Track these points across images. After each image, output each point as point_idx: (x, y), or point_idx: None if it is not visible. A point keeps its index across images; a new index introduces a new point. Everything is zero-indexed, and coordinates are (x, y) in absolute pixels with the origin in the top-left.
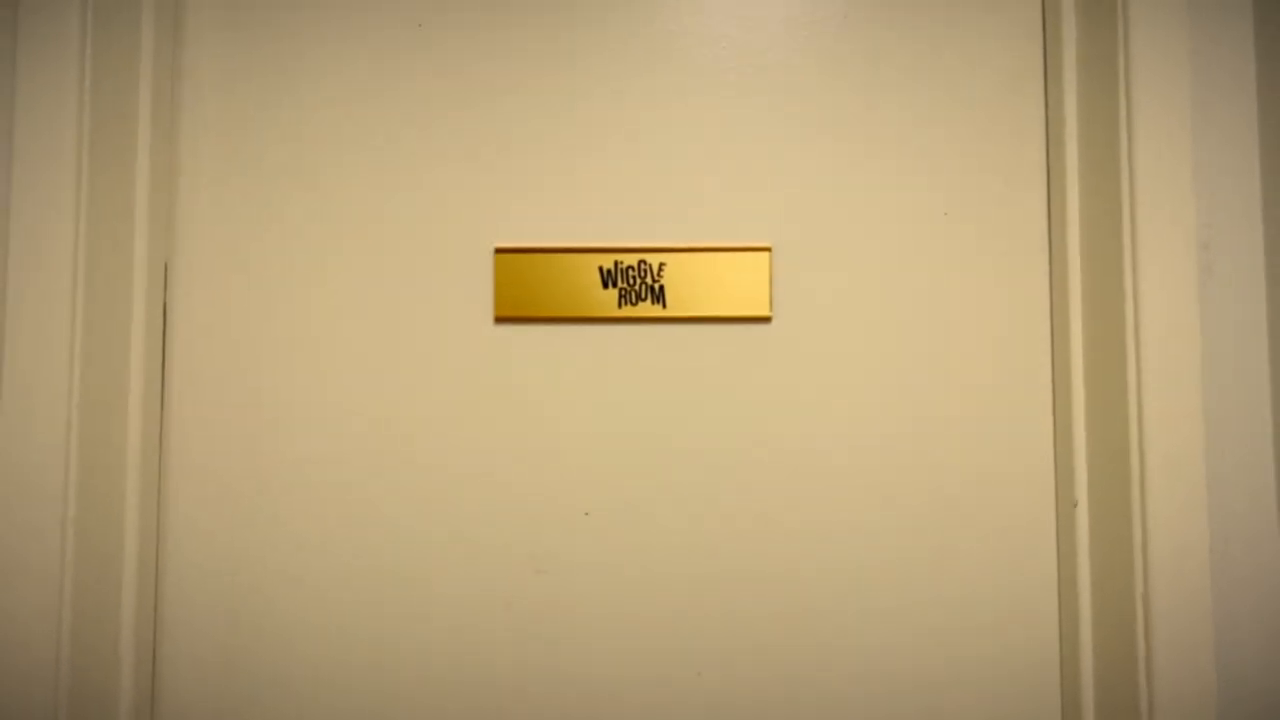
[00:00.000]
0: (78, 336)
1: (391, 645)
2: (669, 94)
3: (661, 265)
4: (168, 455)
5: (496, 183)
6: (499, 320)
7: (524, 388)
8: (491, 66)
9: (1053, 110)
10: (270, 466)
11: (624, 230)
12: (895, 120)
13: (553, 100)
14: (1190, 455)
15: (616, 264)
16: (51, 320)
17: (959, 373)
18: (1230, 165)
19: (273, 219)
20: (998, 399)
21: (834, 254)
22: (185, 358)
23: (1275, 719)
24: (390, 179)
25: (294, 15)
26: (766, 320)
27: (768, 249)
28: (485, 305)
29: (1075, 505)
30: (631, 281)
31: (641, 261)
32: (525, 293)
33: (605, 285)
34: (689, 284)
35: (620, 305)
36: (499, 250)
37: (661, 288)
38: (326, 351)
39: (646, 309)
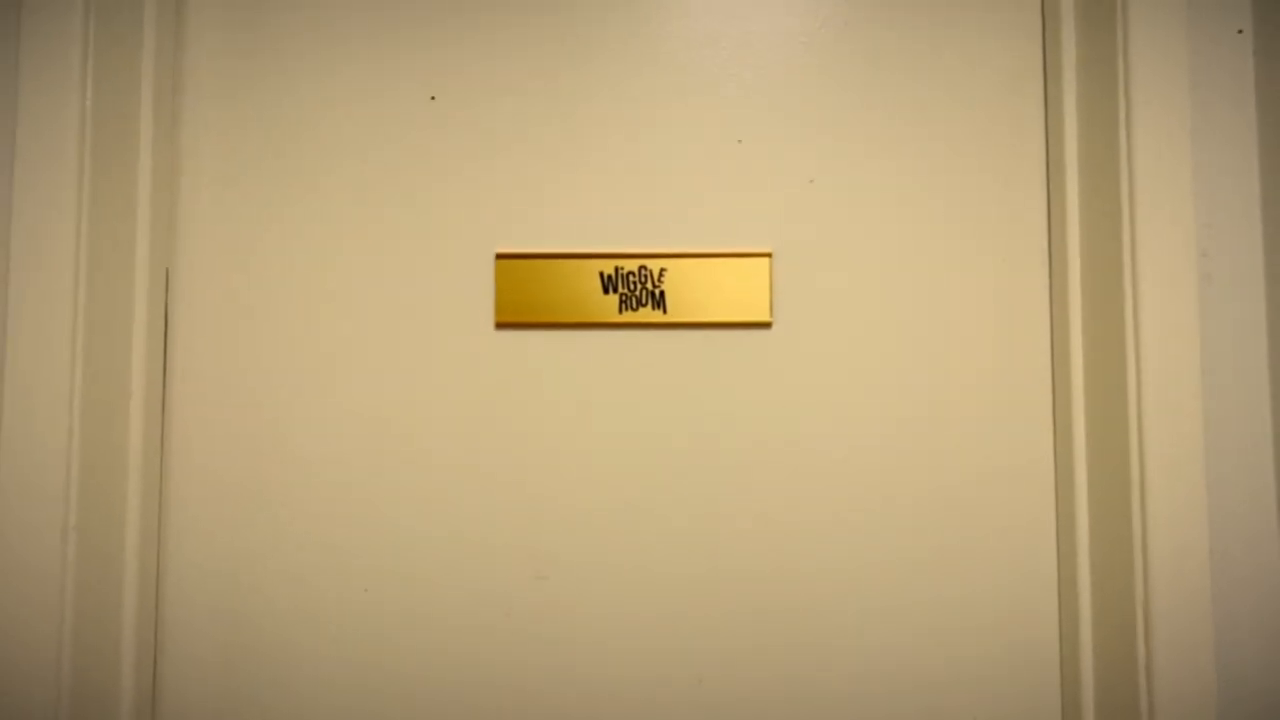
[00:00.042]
0: (79, 337)
1: (391, 650)
2: (669, 99)
3: (662, 271)
4: (169, 456)
5: (498, 189)
6: (500, 326)
7: (525, 393)
8: (493, 72)
9: (1052, 110)
10: (271, 469)
11: (625, 236)
12: (895, 123)
13: (553, 106)
14: (1190, 455)
15: (617, 270)
16: (53, 320)
17: (959, 376)
18: (1229, 165)
19: (273, 220)
20: (998, 402)
21: (834, 259)
22: (186, 359)
23: (1275, 719)
24: (391, 184)
25: (295, 16)
26: (767, 326)
27: (768, 255)
28: (486, 311)
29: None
30: (632, 287)
31: (642, 267)
32: (526, 298)
33: (606, 291)
34: (690, 289)
35: (621, 311)
36: (500, 256)
37: (662, 293)
38: (327, 355)
39: (647, 314)
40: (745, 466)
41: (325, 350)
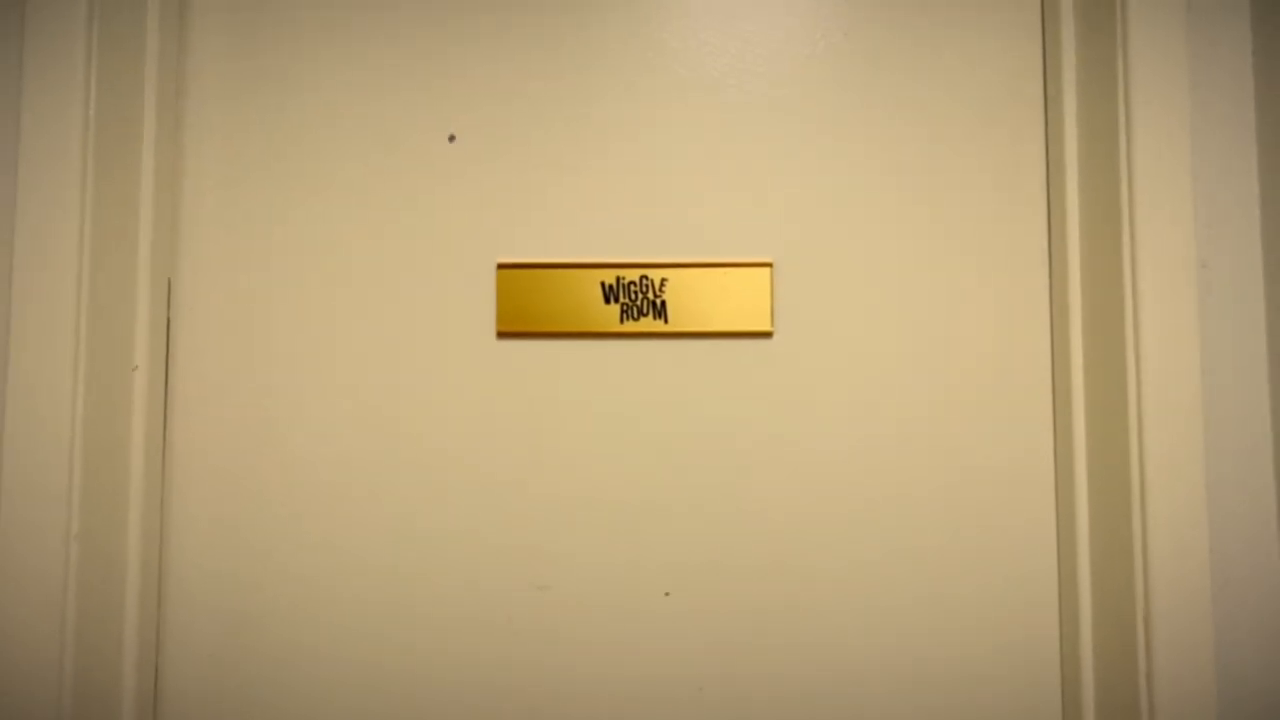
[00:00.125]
0: (82, 337)
1: (392, 656)
2: (670, 109)
3: (663, 280)
4: (171, 457)
5: (499, 198)
6: (501, 335)
7: (526, 402)
8: (495, 78)
9: (1052, 110)
10: (273, 473)
11: (626, 246)
12: (895, 124)
13: (555, 115)
14: (1190, 456)
15: (619, 279)
16: (56, 321)
17: (960, 383)
18: (1229, 165)
19: (275, 224)
20: (999, 405)
21: (835, 268)
22: (188, 361)
23: (1275, 719)
24: (393, 190)
25: (297, 20)
26: (768, 335)
27: (769, 264)
28: (487, 320)
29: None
30: (633, 297)
31: (643, 277)
32: (527, 308)
33: (607, 300)
34: (691, 299)
35: (622, 320)
36: (501, 265)
37: (663, 303)
38: (328, 361)
39: (648, 324)
40: (747, 475)
41: (326, 356)
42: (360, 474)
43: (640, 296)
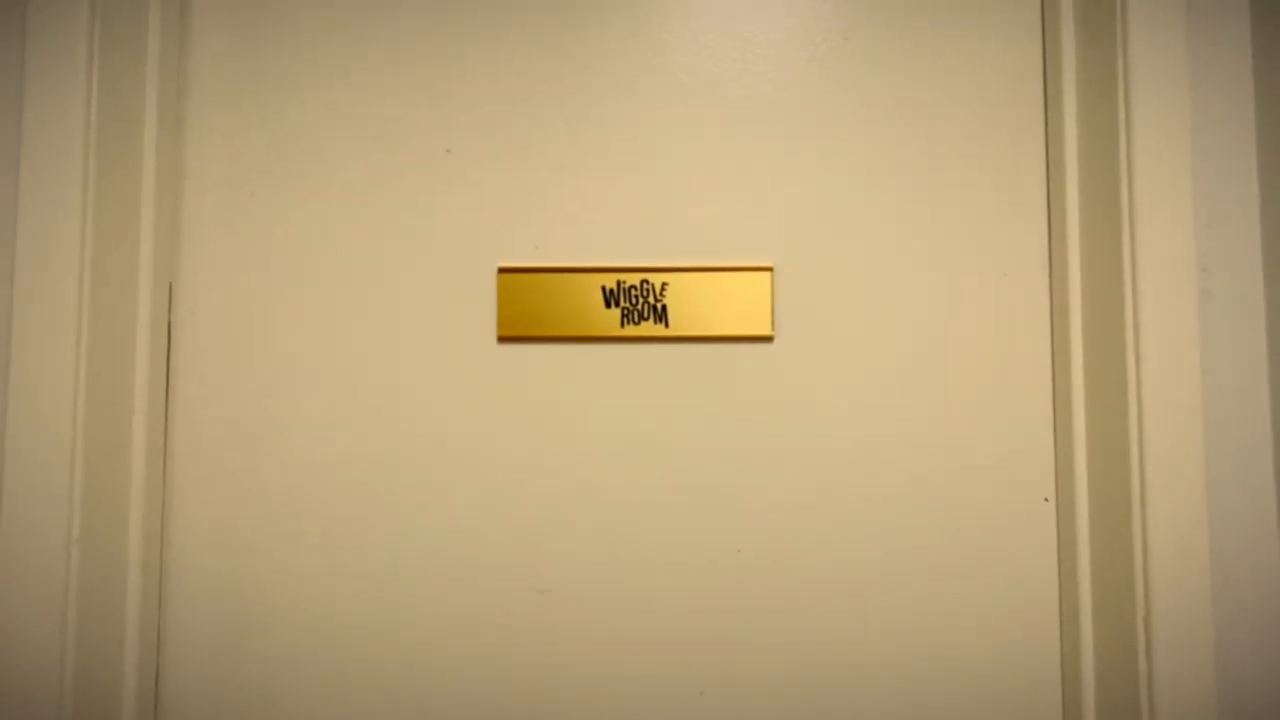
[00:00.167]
0: (84, 336)
1: (393, 657)
2: (670, 113)
3: (664, 285)
4: (172, 457)
5: (499, 202)
6: (502, 339)
7: (526, 407)
8: (495, 79)
9: (1052, 110)
10: (273, 476)
11: (626, 250)
12: (895, 125)
13: (556, 120)
14: (1190, 456)
15: (619, 284)
16: (58, 320)
17: (961, 384)
18: (1229, 164)
19: (276, 225)
20: (1000, 410)
21: (835, 271)
22: (190, 362)
23: (1276, 718)
24: (393, 191)
25: (298, 20)
26: (769, 339)
27: (769, 269)
28: (488, 324)
29: (1046, 501)
30: (634, 301)
31: (644, 281)
32: (528, 312)
33: (608, 305)
34: (691, 303)
35: (623, 325)
36: (502, 270)
37: (664, 307)
38: (328, 365)
39: (649, 328)
40: (747, 479)
41: (326, 358)
42: (361, 477)
43: (641, 300)
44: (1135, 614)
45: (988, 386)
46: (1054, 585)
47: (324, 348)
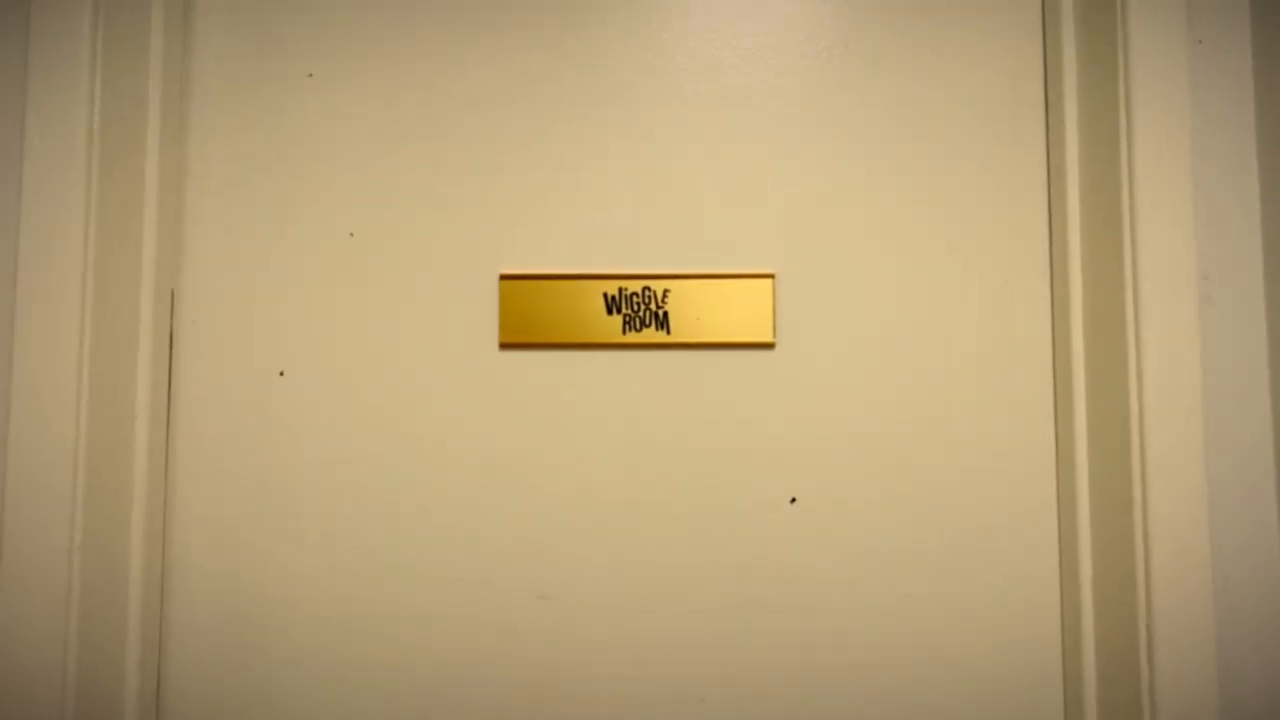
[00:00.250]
0: (87, 336)
1: (394, 657)
2: (670, 114)
3: (666, 292)
4: (174, 458)
5: (502, 210)
6: (504, 346)
7: (528, 413)
8: (497, 79)
9: (1052, 111)
10: (274, 479)
11: (628, 257)
12: (897, 139)
13: (557, 123)
14: (1191, 455)
15: (621, 290)
16: (61, 319)
17: (962, 383)
18: (1229, 165)
19: (278, 226)
20: (1001, 410)
21: (837, 278)
22: (191, 365)
23: (1277, 717)
24: (395, 195)
25: (299, 18)
26: (770, 346)
27: (771, 276)
28: (490, 331)
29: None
30: (636, 308)
31: (646, 288)
32: (530, 319)
33: (610, 312)
34: (693, 310)
35: (625, 332)
36: (504, 277)
37: (666, 314)
38: (329, 371)
39: (651, 335)
40: (750, 485)
41: (328, 363)
42: (362, 482)
43: (643, 307)
44: (1137, 614)
45: (989, 384)
46: (1055, 585)
47: (325, 350)
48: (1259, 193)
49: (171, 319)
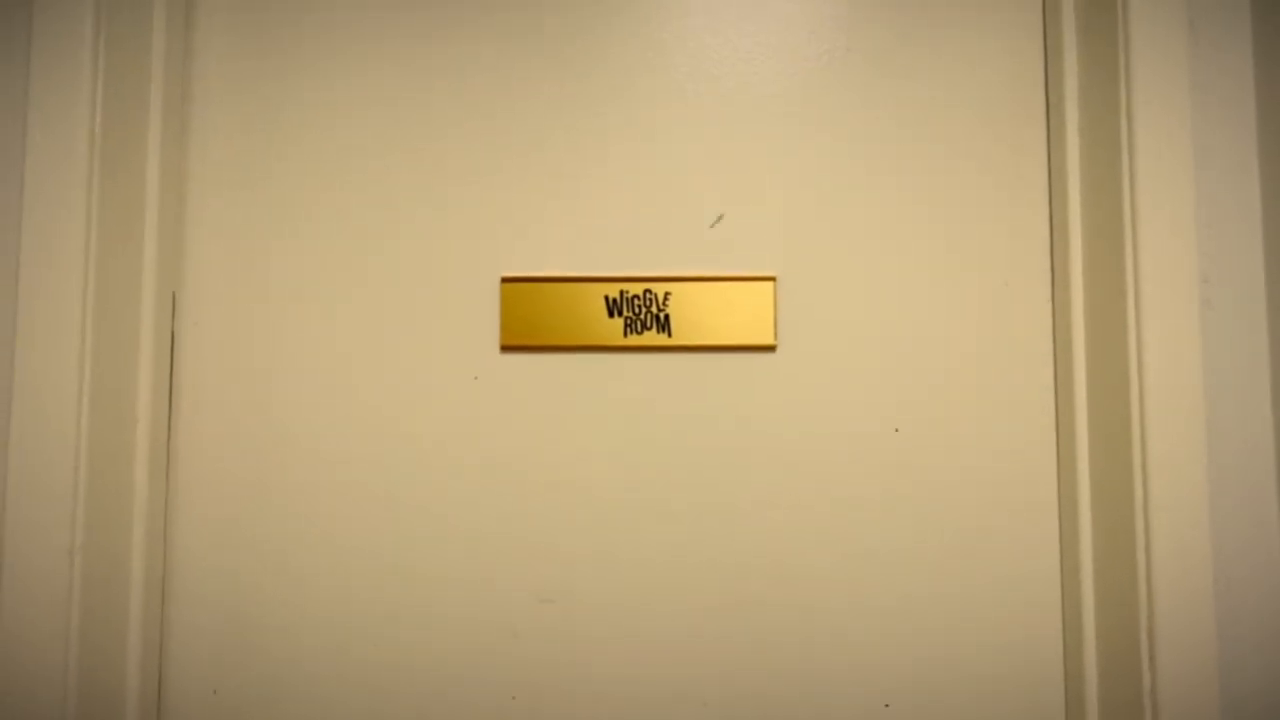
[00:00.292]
0: (88, 337)
1: (395, 658)
2: (670, 115)
3: (667, 294)
4: (175, 459)
5: (503, 211)
6: (505, 349)
7: (529, 416)
8: (500, 85)
9: (1053, 111)
10: (276, 476)
11: (629, 260)
12: (897, 142)
13: (557, 126)
14: (1192, 456)
15: (622, 293)
16: (62, 320)
17: (963, 383)
18: (1230, 165)
19: (279, 227)
20: (1002, 411)
21: (838, 281)
22: (193, 366)
23: (1278, 717)
24: (396, 198)
25: (301, 19)
26: (771, 349)
27: (772, 278)
28: (491, 334)
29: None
30: (637, 310)
31: (647, 291)
32: (531, 321)
33: (611, 314)
34: (694, 313)
35: (626, 334)
36: (505, 279)
37: (667, 317)
38: (330, 373)
39: (652, 338)
40: (751, 487)
41: (328, 365)
42: (363, 483)
43: (644, 310)
44: (1138, 614)
45: (990, 387)
46: (1056, 585)
47: (326, 352)
48: (1259, 194)
49: (173, 320)
